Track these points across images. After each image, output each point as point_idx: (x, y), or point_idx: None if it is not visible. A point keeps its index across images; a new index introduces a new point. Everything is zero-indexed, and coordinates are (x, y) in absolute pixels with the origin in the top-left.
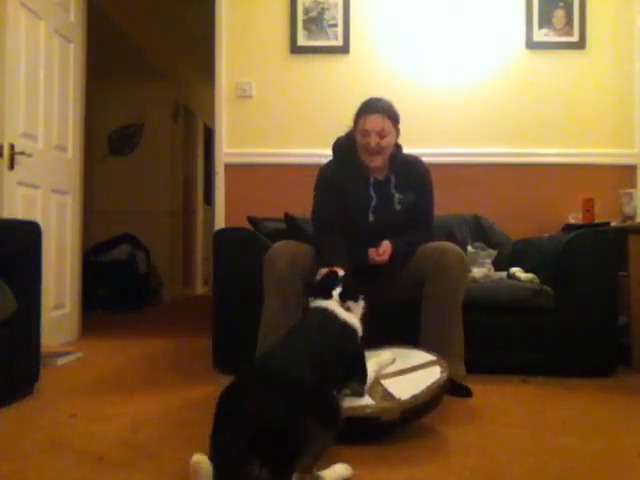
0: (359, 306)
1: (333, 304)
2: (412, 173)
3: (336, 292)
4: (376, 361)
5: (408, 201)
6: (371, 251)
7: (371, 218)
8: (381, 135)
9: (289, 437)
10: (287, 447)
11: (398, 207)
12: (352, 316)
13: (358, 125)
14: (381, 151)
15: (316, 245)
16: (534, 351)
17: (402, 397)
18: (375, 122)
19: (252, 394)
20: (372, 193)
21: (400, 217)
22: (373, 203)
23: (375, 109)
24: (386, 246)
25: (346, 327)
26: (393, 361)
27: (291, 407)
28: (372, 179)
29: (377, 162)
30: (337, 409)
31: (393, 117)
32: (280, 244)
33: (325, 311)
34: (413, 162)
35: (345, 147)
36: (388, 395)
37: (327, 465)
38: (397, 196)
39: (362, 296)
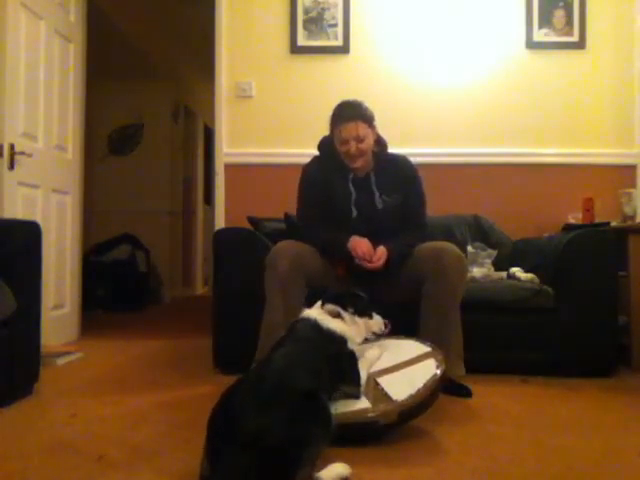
0: (354, 318)
1: (317, 312)
2: (397, 173)
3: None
4: (365, 358)
5: (393, 202)
6: (363, 262)
7: (354, 212)
8: (358, 140)
9: (290, 452)
10: (288, 461)
11: (380, 205)
12: (340, 323)
13: (335, 134)
14: (362, 154)
15: (311, 240)
16: (534, 351)
17: (399, 398)
18: (349, 130)
19: (251, 412)
20: (351, 188)
21: (384, 217)
22: (353, 197)
23: (347, 117)
24: (381, 252)
25: (330, 333)
26: (380, 356)
27: (292, 421)
28: (351, 175)
29: (359, 163)
30: (330, 414)
31: (367, 119)
32: (283, 244)
33: (309, 321)
34: (398, 162)
35: (329, 145)
36: (384, 396)
37: (325, 465)
38: (378, 194)
39: (352, 310)
